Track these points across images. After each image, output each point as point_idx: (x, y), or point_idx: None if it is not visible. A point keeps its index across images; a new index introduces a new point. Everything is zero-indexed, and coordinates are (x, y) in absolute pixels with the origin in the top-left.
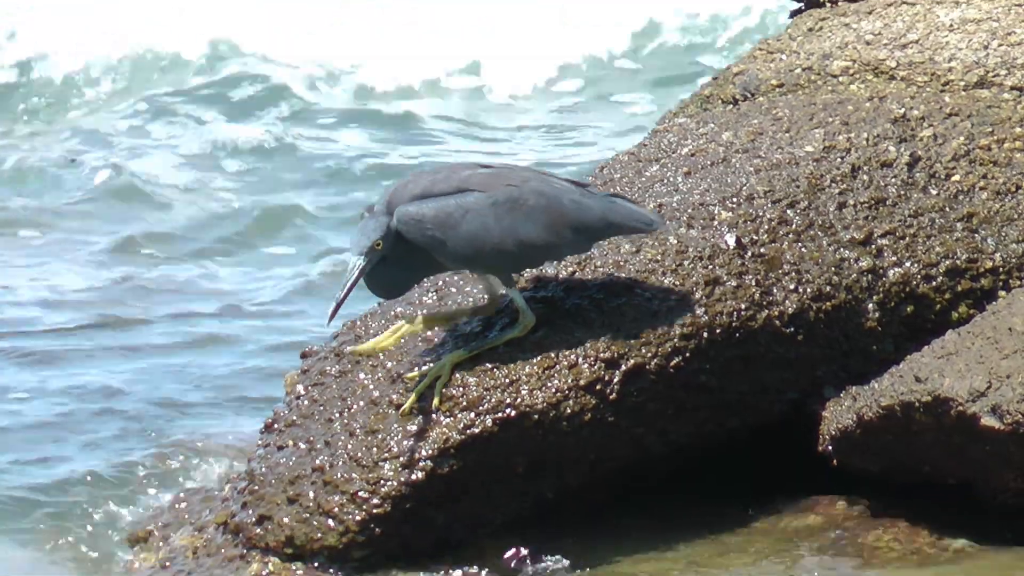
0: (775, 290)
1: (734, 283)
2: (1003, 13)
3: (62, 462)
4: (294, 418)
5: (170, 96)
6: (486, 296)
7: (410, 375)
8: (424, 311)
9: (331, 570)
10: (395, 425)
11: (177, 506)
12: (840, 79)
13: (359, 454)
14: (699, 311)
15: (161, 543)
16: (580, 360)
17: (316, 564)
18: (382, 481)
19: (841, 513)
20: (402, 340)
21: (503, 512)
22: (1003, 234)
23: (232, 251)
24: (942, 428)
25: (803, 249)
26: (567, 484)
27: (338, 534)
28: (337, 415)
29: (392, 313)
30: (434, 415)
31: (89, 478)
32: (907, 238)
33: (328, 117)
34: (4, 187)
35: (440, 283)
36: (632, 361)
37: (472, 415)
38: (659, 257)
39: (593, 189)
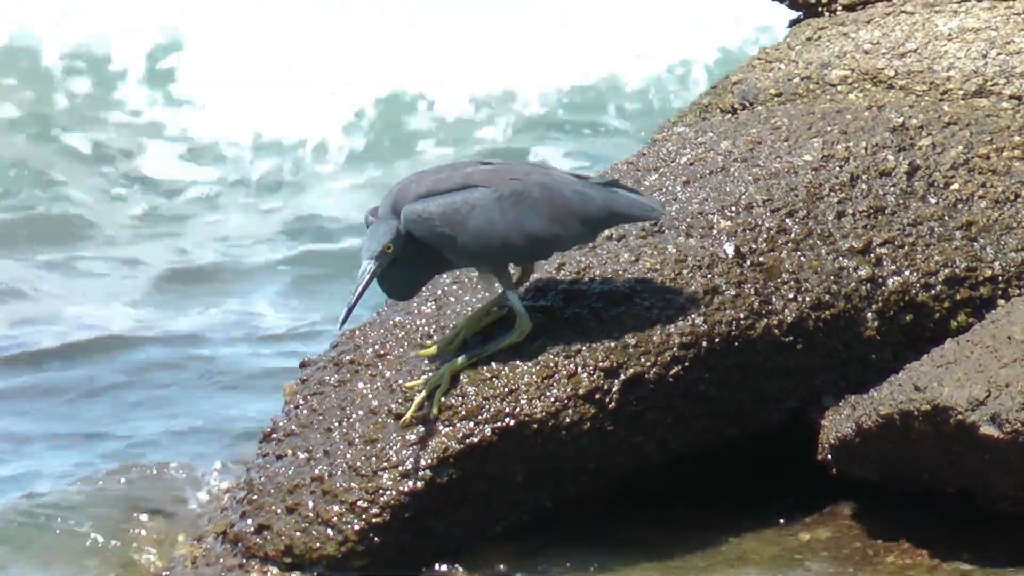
0: (774, 299)
1: (733, 292)
2: (1001, 22)
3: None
4: (293, 428)
5: None
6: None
7: (409, 384)
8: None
9: None
10: (394, 434)
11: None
12: (839, 88)
13: (358, 463)
14: (698, 320)
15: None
16: (579, 369)
17: (315, 573)
18: (381, 490)
19: (844, 525)
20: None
21: (502, 521)
22: (1002, 243)
23: None
24: (941, 437)
25: (802, 258)
26: (566, 493)
27: (337, 543)
28: (336, 424)
29: (391, 323)
30: (433, 424)
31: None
32: (906, 247)
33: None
34: None
35: (439, 292)
36: (631, 370)
37: (471, 424)
38: (658, 266)
39: (594, 180)
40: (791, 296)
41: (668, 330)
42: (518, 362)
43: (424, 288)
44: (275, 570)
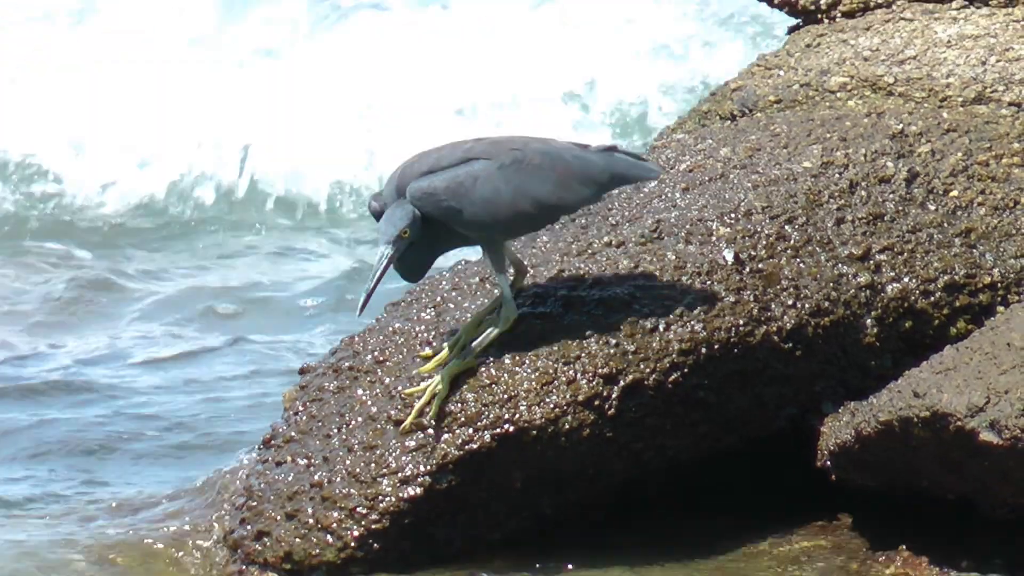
0: (773, 306)
1: (732, 299)
2: (1001, 29)
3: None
4: (292, 434)
5: None
6: (511, 269)
7: (408, 391)
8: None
9: None
10: (393, 441)
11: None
12: (838, 95)
13: (357, 470)
14: (697, 327)
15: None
16: (578, 376)
17: None
18: (380, 497)
19: (843, 532)
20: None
21: (501, 528)
22: (1001, 249)
23: None
24: (940, 443)
25: (801, 265)
26: (566, 499)
27: (336, 550)
28: (335, 431)
29: (390, 329)
30: (432, 431)
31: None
32: (905, 253)
33: None
34: None
35: (439, 299)
36: (630, 377)
37: (470, 431)
38: (657, 272)
39: (594, 148)
40: (790, 303)
41: (667, 337)
42: (517, 368)
43: (424, 292)
44: None
